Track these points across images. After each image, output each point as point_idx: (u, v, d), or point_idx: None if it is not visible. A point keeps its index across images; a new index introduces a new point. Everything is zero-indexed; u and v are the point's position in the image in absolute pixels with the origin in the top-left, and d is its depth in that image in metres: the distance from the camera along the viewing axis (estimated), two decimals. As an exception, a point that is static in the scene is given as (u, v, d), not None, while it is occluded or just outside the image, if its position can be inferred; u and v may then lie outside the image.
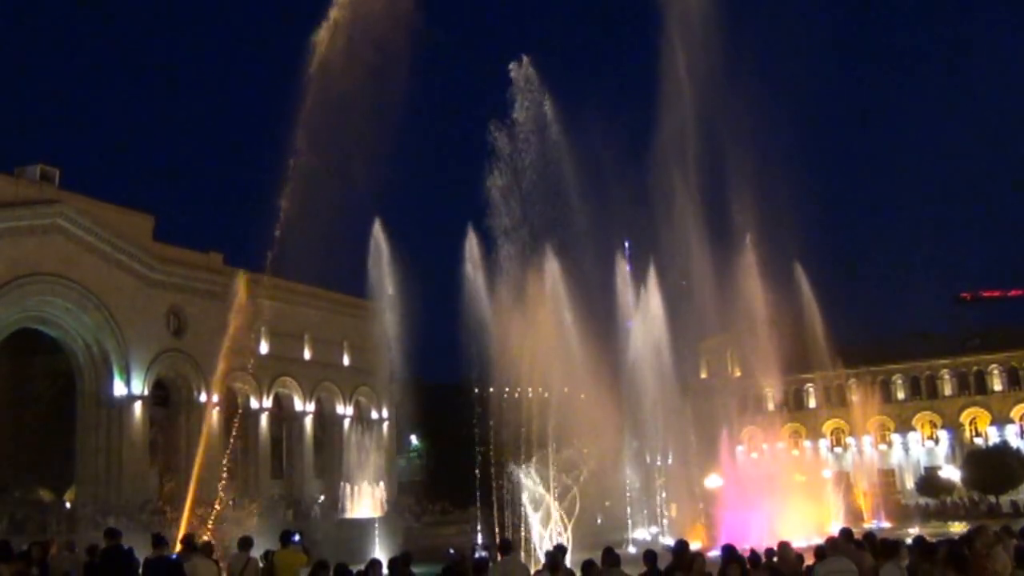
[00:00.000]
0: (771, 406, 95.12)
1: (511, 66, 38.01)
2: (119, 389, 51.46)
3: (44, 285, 48.00)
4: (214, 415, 53.26)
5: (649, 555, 14.09)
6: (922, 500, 76.48)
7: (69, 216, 48.98)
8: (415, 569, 15.85)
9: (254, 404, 61.71)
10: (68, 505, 48.04)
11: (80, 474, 51.37)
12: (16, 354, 49.67)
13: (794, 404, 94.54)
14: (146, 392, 53.14)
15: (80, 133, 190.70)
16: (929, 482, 79.56)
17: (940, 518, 63.10)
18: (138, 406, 52.53)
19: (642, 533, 44.26)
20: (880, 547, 14.25)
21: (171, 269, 55.23)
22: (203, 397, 54.91)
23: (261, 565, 17.23)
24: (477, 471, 36.92)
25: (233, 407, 60.18)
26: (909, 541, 15.62)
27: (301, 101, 30.82)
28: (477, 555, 15.03)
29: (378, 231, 44.23)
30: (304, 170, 30.74)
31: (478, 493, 37.28)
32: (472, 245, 37.17)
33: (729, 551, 13.93)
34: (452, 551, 17.55)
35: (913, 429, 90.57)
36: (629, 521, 44.15)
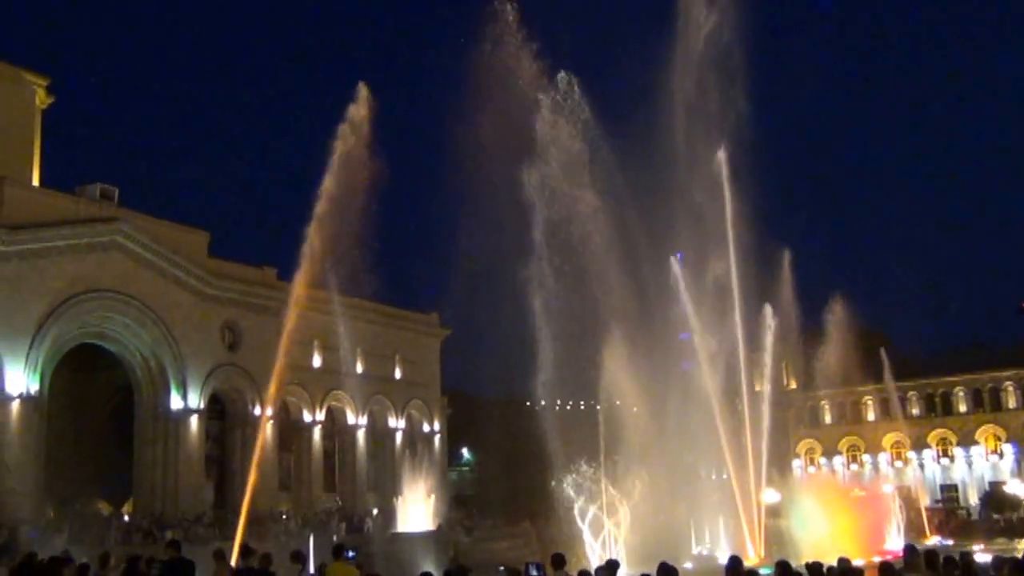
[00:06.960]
0: (828, 419, 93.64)
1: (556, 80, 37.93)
2: (176, 403, 52.16)
3: (103, 301, 48.85)
4: (268, 428, 53.70)
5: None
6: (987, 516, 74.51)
7: (127, 233, 49.85)
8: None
9: (307, 417, 62.15)
10: (126, 518, 48.64)
11: (137, 487, 52.09)
12: (76, 369, 50.50)
13: (852, 417, 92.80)
14: (202, 406, 53.78)
15: (139, 153, 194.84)
16: (994, 498, 77.46)
17: (1006, 535, 61.19)
18: (194, 420, 53.16)
19: (696, 548, 43.62)
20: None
21: (226, 284, 55.92)
22: (257, 411, 55.42)
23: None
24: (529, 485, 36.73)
25: (287, 420, 60.80)
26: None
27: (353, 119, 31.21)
28: (530, 572, 14.78)
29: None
30: (357, 183, 30.97)
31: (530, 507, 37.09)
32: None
33: (783, 567, 13.61)
34: (502, 568, 17.29)
35: (976, 443, 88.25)
36: (691, 535, 43.50)
